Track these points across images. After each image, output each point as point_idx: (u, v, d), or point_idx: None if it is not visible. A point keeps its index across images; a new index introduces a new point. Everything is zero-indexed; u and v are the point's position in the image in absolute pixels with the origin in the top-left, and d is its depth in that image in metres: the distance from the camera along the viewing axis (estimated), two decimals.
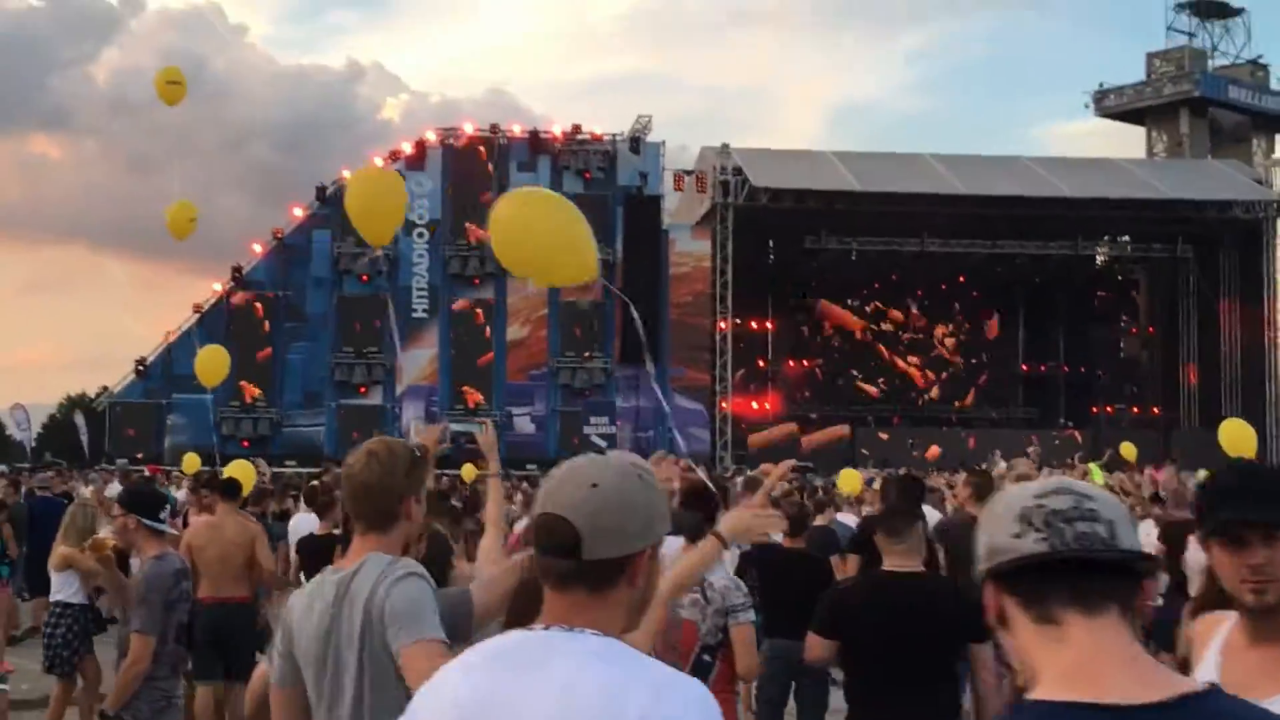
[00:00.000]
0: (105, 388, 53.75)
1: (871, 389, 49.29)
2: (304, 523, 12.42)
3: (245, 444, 36.76)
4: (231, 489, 10.31)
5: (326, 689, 3.34)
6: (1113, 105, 58.74)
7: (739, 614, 5.53)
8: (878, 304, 49.29)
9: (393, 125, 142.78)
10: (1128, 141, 58.34)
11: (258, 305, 40.94)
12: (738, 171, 41.19)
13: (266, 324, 40.72)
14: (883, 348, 49.56)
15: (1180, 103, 55.29)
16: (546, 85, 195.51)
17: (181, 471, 24.45)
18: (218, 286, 41.37)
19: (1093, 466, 28.36)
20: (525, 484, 23.90)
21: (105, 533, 7.00)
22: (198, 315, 41.29)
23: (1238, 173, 45.59)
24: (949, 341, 49.75)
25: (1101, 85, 59.22)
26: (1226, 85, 56.06)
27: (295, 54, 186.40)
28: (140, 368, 41.16)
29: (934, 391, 49.57)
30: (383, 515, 3.42)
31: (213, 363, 14.21)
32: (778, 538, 8.42)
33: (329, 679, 3.31)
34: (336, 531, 12.09)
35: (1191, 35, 58.11)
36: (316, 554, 11.33)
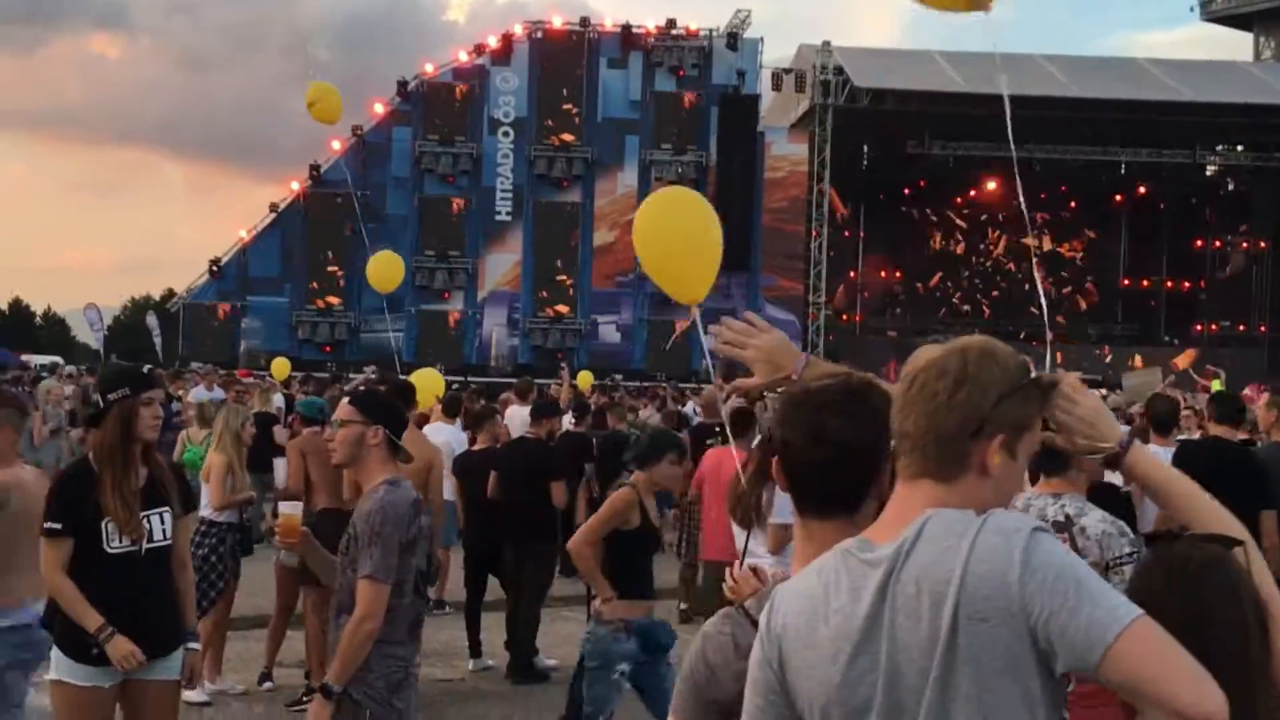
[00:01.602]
0: (171, 290, 52.81)
1: (963, 302, 47.50)
2: (444, 435, 10.96)
3: (327, 349, 35.52)
4: (406, 398, 8.82)
5: None
6: (1220, 8, 56.12)
7: (1127, 570, 4.05)
8: (974, 213, 47.23)
9: (459, 26, 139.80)
10: (1234, 48, 55.70)
11: (336, 205, 39.44)
12: (839, 71, 39.13)
13: (345, 225, 39.21)
14: (977, 259, 47.65)
15: None
16: None
17: (271, 377, 23.23)
18: (295, 185, 39.89)
19: (1214, 383, 26.91)
20: (620, 393, 22.44)
21: (280, 468, 5.39)
22: (274, 215, 39.92)
23: None
24: (1048, 253, 47.72)
25: None
26: None
27: None
28: (214, 269, 39.85)
29: (1029, 305, 47.62)
30: (948, 456, 2.06)
31: (387, 269, 13.01)
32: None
33: None
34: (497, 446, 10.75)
35: None
36: (474, 475, 10.00)
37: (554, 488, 9.59)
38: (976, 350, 2.09)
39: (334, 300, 39.16)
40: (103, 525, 4.98)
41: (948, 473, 2.05)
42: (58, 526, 4.98)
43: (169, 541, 5.16)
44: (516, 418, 13.19)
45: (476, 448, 10.56)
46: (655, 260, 7.63)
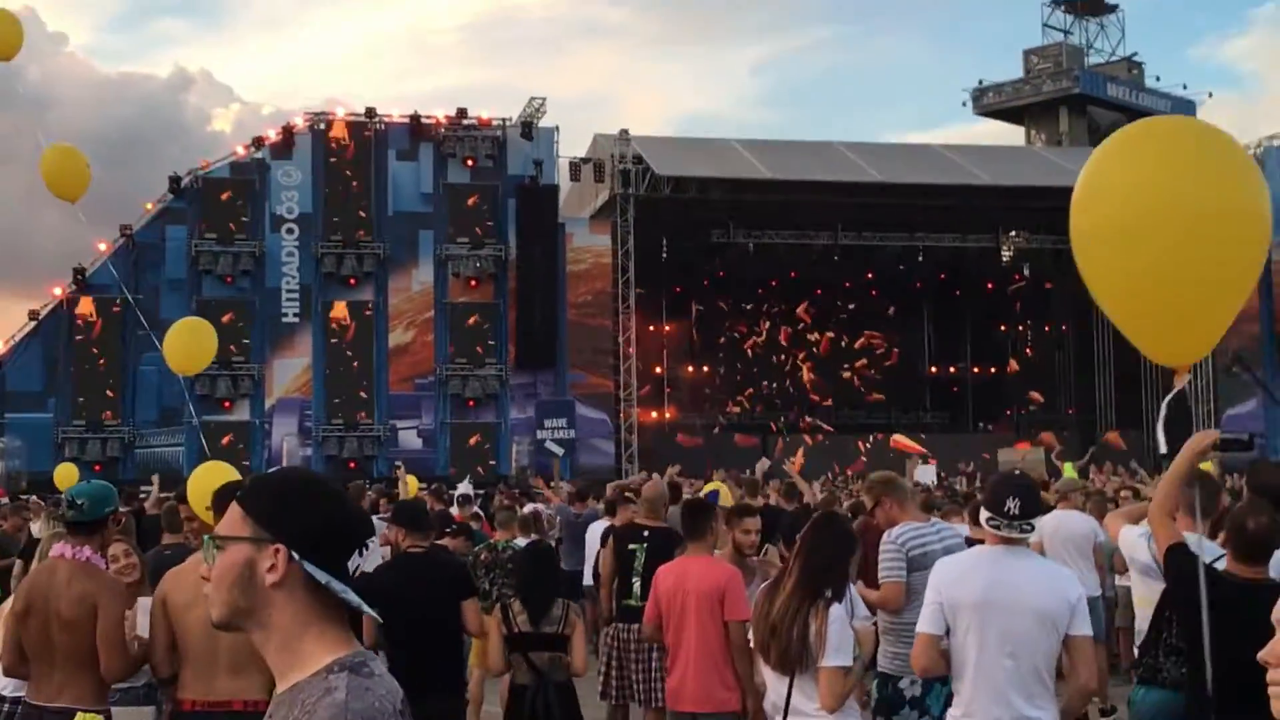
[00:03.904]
0: None
1: (769, 395, 46.52)
2: None
3: (98, 468, 32.27)
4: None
5: None
6: (991, 103, 57.42)
7: None
8: (778, 304, 46.45)
9: (224, 136, 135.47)
10: (1006, 141, 56.84)
11: (105, 311, 36.31)
12: (638, 160, 37.95)
13: (115, 332, 36.11)
14: (781, 352, 46.80)
15: (1059, 100, 54.27)
16: (382, 97, 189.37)
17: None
18: (58, 291, 36.64)
19: (1068, 465, 26.13)
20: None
21: None
22: (34, 324, 36.56)
23: None
24: (852, 343, 47.20)
25: (980, 83, 57.88)
26: (1105, 82, 55.28)
27: (118, 63, 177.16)
28: None
29: (836, 396, 46.90)
30: None
31: (192, 341, 10.18)
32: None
33: None
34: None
35: (1067, 33, 57.22)
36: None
37: (467, 609, 7.00)
38: None
39: (105, 415, 35.93)
40: None
41: None
42: None
43: None
44: None
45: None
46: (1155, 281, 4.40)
